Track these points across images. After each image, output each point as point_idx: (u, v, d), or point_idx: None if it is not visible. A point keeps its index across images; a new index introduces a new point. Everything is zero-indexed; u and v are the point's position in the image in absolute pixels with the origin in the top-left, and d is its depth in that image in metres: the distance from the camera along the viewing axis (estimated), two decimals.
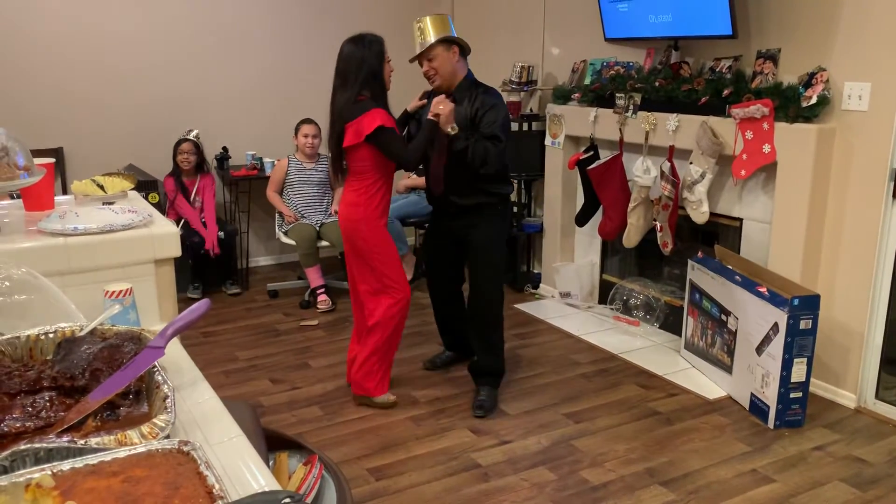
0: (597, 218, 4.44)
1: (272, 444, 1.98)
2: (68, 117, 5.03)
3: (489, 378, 3.51)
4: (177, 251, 1.68)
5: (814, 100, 3.32)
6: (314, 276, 4.84)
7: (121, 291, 1.47)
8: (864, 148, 3.26)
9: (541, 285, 5.13)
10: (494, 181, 3.36)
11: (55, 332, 1.31)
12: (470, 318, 3.53)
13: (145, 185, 4.75)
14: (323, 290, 4.82)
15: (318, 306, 4.76)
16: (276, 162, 5.17)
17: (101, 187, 2.08)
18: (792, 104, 3.37)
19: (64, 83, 4.98)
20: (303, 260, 4.84)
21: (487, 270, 3.42)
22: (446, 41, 3.27)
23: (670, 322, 4.26)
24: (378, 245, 3.27)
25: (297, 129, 5.00)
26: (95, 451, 0.97)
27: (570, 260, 4.96)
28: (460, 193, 3.37)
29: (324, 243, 4.88)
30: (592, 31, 4.51)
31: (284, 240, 4.96)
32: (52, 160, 1.92)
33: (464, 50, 3.34)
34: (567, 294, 4.83)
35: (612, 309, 4.56)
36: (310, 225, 4.88)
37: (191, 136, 4.96)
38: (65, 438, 1.01)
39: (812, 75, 3.37)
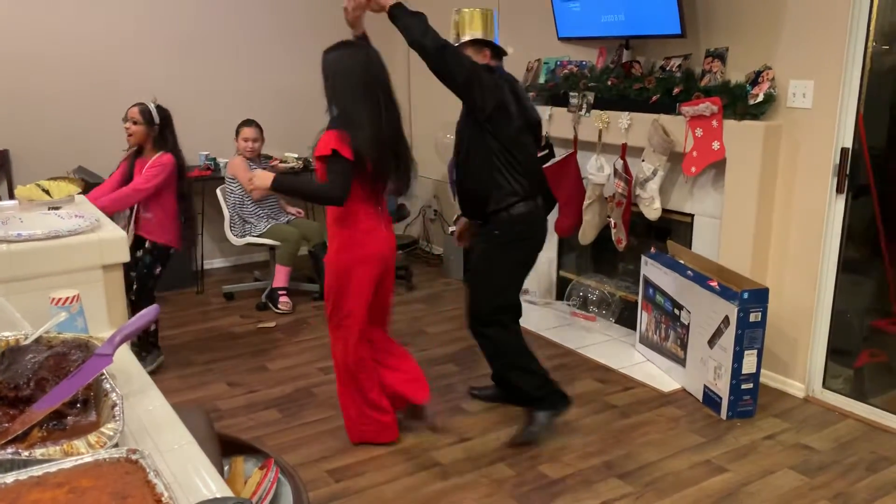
0: (553, 215, 4.48)
1: (228, 449, 1.96)
2: (13, 118, 4.90)
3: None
4: (125, 256, 1.66)
5: (760, 97, 3.40)
6: (282, 276, 4.77)
7: (67, 298, 1.45)
8: (809, 144, 3.36)
9: None
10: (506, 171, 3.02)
11: None
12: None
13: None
14: (285, 291, 4.77)
15: (280, 307, 4.71)
16: (229, 162, 5.10)
17: (47, 192, 2.03)
18: (740, 102, 3.45)
19: (8, 83, 4.85)
20: (285, 259, 4.75)
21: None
22: (477, 43, 2.98)
23: (625, 317, 4.33)
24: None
25: (237, 132, 4.84)
26: (40, 462, 0.95)
27: None
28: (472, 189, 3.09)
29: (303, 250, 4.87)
30: (546, 29, 4.56)
31: (263, 241, 4.81)
32: None
33: (497, 53, 3.09)
34: (525, 291, 4.86)
35: (569, 305, 4.62)
36: (289, 226, 4.84)
37: (149, 102, 3.86)
38: (8, 450, 0.99)
39: (759, 73, 3.45)
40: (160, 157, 3.77)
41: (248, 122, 4.85)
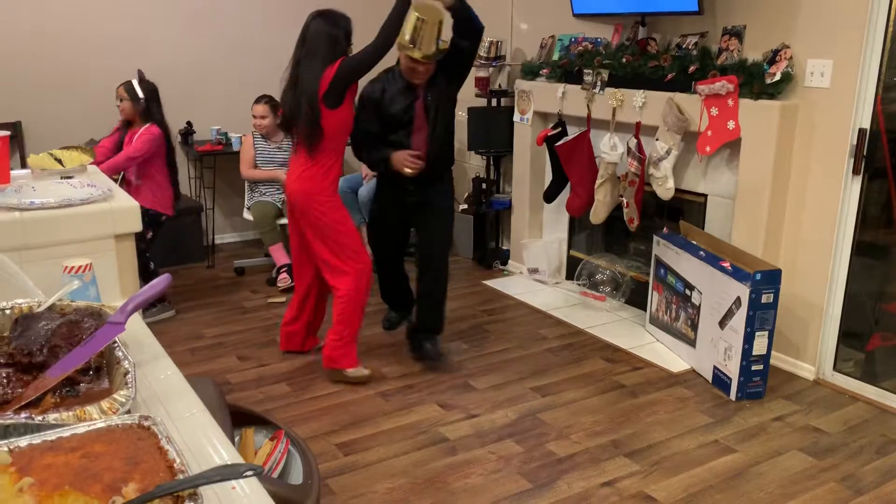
0: (564, 194, 4.46)
1: (239, 420, 1.97)
2: (26, 91, 4.90)
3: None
4: (137, 226, 1.66)
5: (777, 77, 3.36)
6: (278, 254, 4.76)
7: (80, 267, 1.45)
8: (826, 125, 3.31)
9: (509, 262, 5.15)
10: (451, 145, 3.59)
11: (11, 308, 1.29)
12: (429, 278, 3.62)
13: None
14: (286, 268, 4.72)
15: (279, 284, 4.69)
16: (241, 138, 5.10)
17: (60, 161, 2.03)
18: (756, 81, 3.41)
19: (22, 56, 4.84)
20: (264, 238, 4.77)
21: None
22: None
23: (636, 297, 4.32)
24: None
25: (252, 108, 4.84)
26: (54, 426, 0.96)
27: (538, 236, 4.98)
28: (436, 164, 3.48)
29: (284, 221, 4.81)
30: (561, 6, 4.50)
31: (246, 216, 4.91)
32: (7, 133, 1.88)
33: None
34: (535, 270, 4.86)
35: (579, 284, 4.60)
36: (270, 202, 4.81)
37: (131, 80, 4.13)
38: (22, 415, 1.00)
39: (776, 52, 3.40)
40: (148, 127, 4.06)
41: (259, 99, 4.82)
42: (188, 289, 4.72)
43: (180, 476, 0.85)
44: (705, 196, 3.85)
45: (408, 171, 3.34)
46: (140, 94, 4.06)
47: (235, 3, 5.44)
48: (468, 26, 3.27)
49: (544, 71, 4.57)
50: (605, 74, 4.10)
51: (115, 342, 1.18)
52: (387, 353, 3.76)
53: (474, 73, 5.04)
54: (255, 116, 4.79)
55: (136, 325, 1.38)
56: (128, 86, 4.08)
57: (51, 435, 0.92)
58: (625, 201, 4.06)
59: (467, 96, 5.14)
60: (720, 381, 3.37)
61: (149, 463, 0.88)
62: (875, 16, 3.10)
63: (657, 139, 3.84)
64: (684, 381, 3.48)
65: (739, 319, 3.21)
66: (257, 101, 4.81)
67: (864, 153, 3.22)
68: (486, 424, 3.09)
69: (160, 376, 1.23)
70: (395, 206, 3.59)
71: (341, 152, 3.33)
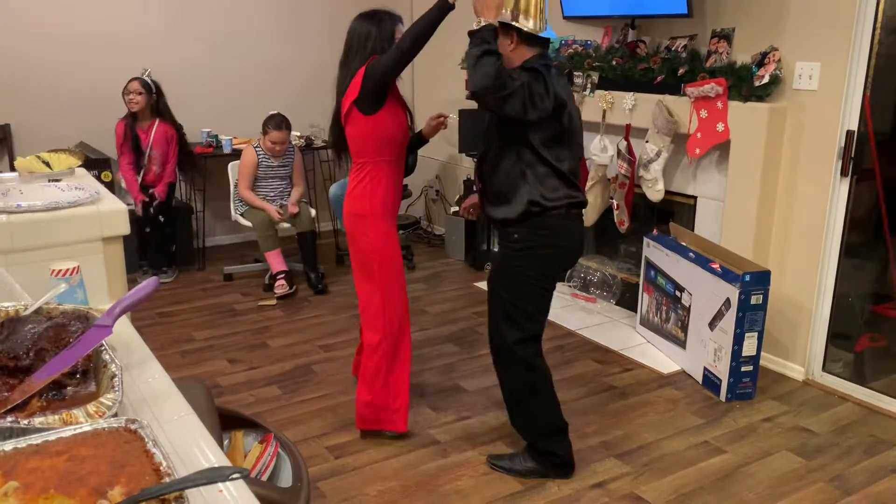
0: None
1: (228, 423, 1.97)
2: (15, 93, 4.87)
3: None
4: (125, 229, 1.65)
5: (766, 79, 3.37)
6: (275, 261, 4.67)
7: (67, 270, 1.44)
8: (814, 127, 3.33)
9: None
10: None
11: None
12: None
13: (98, 163, 4.63)
14: (283, 275, 4.65)
15: (276, 290, 4.60)
16: (232, 140, 5.08)
17: (47, 164, 2.02)
18: (745, 83, 3.43)
19: (11, 58, 4.82)
20: (262, 243, 4.70)
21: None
22: (502, 26, 2.68)
23: (626, 298, 4.33)
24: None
25: (264, 129, 4.68)
26: (40, 430, 0.95)
27: None
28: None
29: (284, 226, 4.79)
30: (551, 8, 4.50)
31: (242, 221, 4.85)
32: None
33: (523, 34, 2.74)
34: None
35: (569, 286, 4.61)
36: (262, 210, 4.77)
37: (143, 76, 4.72)
38: (8, 419, 0.99)
39: (765, 55, 3.42)
40: (167, 124, 4.78)
41: (278, 125, 4.62)
42: (179, 291, 4.70)
43: (166, 479, 0.85)
44: (695, 198, 3.87)
45: None
46: (153, 87, 4.70)
47: (226, 5, 5.43)
48: None
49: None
50: (595, 77, 4.12)
51: (102, 345, 1.17)
52: None
53: (465, 75, 5.04)
54: (273, 143, 4.64)
55: (125, 329, 1.37)
56: (148, 82, 4.68)
57: (36, 439, 0.91)
58: (615, 203, 4.07)
59: (458, 98, 5.15)
60: (710, 382, 3.39)
61: (135, 466, 0.87)
62: (862, 18, 3.12)
63: (647, 141, 3.85)
64: (674, 383, 3.49)
65: (729, 321, 3.22)
66: (277, 127, 4.62)
67: (852, 155, 3.24)
68: (477, 426, 3.09)
69: (148, 379, 1.23)
70: None
71: (388, 167, 2.80)
